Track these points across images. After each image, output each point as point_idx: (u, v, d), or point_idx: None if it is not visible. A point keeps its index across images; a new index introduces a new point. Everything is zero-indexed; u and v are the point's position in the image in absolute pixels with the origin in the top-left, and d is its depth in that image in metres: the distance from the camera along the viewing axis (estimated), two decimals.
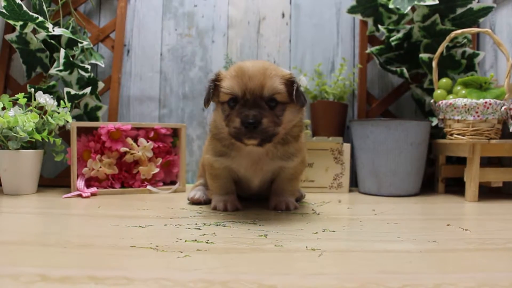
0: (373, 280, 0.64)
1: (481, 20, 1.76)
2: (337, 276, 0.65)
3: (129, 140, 1.64)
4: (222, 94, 1.10)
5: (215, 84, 1.14)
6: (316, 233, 0.96)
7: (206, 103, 1.15)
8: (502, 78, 1.72)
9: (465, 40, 1.76)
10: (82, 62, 1.76)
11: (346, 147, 1.74)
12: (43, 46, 1.74)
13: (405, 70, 1.78)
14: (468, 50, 1.77)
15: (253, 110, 1.04)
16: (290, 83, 1.11)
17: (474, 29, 1.64)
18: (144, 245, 0.83)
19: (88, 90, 1.72)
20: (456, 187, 1.80)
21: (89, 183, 1.62)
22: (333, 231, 0.99)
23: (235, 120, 1.06)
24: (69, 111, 1.63)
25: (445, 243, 0.89)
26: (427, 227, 1.08)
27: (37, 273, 0.64)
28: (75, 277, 0.63)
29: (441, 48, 1.66)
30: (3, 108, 1.50)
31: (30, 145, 1.55)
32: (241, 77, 1.07)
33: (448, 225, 1.08)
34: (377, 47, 1.85)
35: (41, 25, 1.62)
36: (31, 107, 1.54)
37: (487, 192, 1.70)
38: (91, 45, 1.83)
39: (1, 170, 1.51)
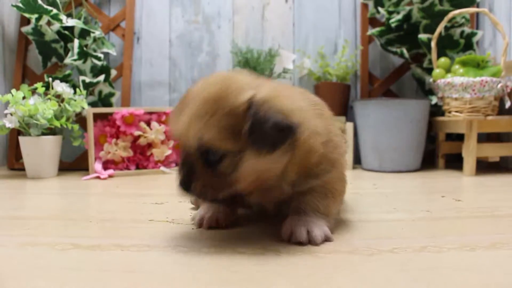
0: (364, 245, 0.70)
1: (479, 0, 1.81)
2: (331, 243, 0.72)
3: (142, 124, 1.72)
4: None
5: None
6: None
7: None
8: (500, 56, 1.76)
9: (463, 20, 1.80)
10: (95, 51, 1.84)
11: (349, 126, 1.80)
12: (57, 37, 1.82)
13: (405, 51, 1.83)
14: (466, 29, 1.82)
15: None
16: None
17: (472, 9, 1.69)
18: (162, 219, 0.91)
19: (101, 77, 1.80)
20: (455, 163, 1.86)
21: (106, 165, 1.71)
22: None
23: None
24: (85, 98, 1.71)
25: (437, 212, 0.95)
26: (422, 199, 1.16)
27: (70, 242, 0.73)
28: (103, 245, 0.71)
29: (440, 28, 1.70)
30: (24, 97, 1.58)
31: (50, 131, 1.64)
32: None
33: (443, 196, 1.14)
34: (378, 28, 1.90)
35: (55, 17, 1.70)
36: (49, 96, 1.63)
37: (485, 167, 1.76)
38: (103, 35, 1.90)
39: (24, 155, 1.61)
